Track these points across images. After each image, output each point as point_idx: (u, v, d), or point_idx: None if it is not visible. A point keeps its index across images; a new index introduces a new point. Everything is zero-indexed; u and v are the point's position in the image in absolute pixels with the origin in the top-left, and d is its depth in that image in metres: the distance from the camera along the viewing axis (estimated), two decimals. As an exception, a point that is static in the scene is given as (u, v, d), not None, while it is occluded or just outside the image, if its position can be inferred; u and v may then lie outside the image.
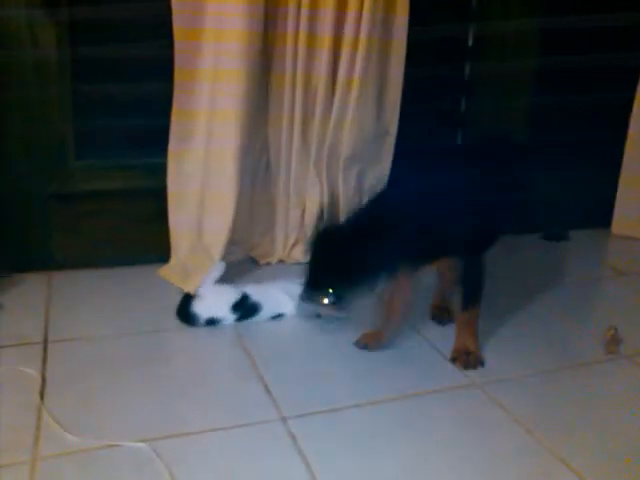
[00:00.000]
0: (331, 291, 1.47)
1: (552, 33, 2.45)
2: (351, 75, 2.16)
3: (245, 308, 1.83)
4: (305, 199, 2.33)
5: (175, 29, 1.96)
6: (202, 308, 1.81)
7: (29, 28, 1.95)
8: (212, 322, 1.81)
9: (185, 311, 1.81)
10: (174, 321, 1.83)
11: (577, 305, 2.12)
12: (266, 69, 2.13)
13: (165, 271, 2.13)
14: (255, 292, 1.88)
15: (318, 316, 1.83)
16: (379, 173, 2.36)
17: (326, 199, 2.33)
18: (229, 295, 1.85)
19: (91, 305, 1.94)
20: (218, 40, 1.99)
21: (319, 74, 2.16)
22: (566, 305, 2.09)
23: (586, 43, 2.51)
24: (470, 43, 2.48)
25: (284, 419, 1.44)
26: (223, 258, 2.04)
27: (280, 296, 1.90)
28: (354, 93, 2.18)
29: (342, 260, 1.46)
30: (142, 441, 1.33)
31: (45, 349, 1.67)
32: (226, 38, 1.97)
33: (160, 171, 2.08)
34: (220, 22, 1.97)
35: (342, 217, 2.01)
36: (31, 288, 2.02)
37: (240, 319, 1.83)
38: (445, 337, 1.80)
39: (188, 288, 1.91)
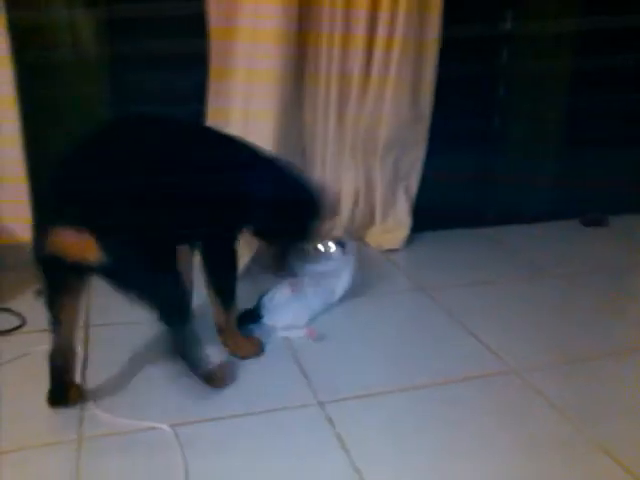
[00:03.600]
0: None
1: (591, 31, 2.41)
2: (387, 59, 2.16)
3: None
4: (341, 184, 2.33)
5: (212, 29, 1.99)
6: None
7: (70, 27, 2.01)
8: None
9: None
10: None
11: (617, 292, 2.08)
12: (301, 58, 2.13)
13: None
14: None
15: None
16: (414, 158, 2.35)
17: (362, 184, 2.32)
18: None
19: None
20: (253, 40, 2.01)
21: (355, 58, 2.15)
22: (606, 292, 2.06)
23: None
24: (508, 28, 2.44)
25: (321, 404, 1.45)
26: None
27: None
28: (391, 78, 2.17)
29: None
30: (180, 424, 1.36)
31: (86, 333, 1.71)
32: (261, 38, 1.99)
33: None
34: (255, 22, 1.99)
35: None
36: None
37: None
38: (483, 323, 1.80)
39: None
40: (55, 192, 1.21)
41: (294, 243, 1.74)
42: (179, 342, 1.40)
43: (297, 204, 1.62)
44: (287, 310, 1.79)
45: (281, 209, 1.57)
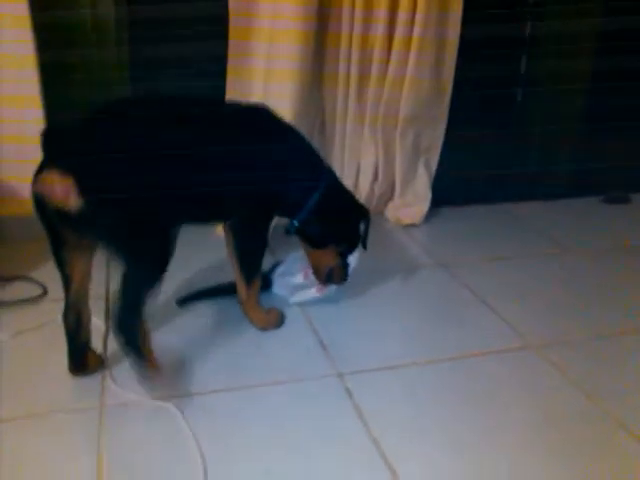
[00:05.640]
0: None
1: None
2: (409, 34, 2.13)
3: None
4: (360, 159, 2.32)
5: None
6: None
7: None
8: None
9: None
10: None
11: (638, 269, 2.06)
12: (320, 32, 2.12)
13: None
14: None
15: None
16: (435, 133, 2.33)
17: (381, 159, 2.31)
18: None
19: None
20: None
21: (375, 33, 2.13)
22: (628, 269, 2.03)
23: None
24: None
25: (340, 375, 1.46)
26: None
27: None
28: (412, 52, 2.15)
29: None
30: (198, 394, 1.38)
31: (107, 304, 1.72)
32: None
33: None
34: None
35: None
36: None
37: None
38: (502, 299, 1.80)
39: None
40: (49, 139, 1.22)
41: (350, 250, 1.71)
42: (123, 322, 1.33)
43: (344, 204, 1.67)
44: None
45: (329, 208, 1.60)
